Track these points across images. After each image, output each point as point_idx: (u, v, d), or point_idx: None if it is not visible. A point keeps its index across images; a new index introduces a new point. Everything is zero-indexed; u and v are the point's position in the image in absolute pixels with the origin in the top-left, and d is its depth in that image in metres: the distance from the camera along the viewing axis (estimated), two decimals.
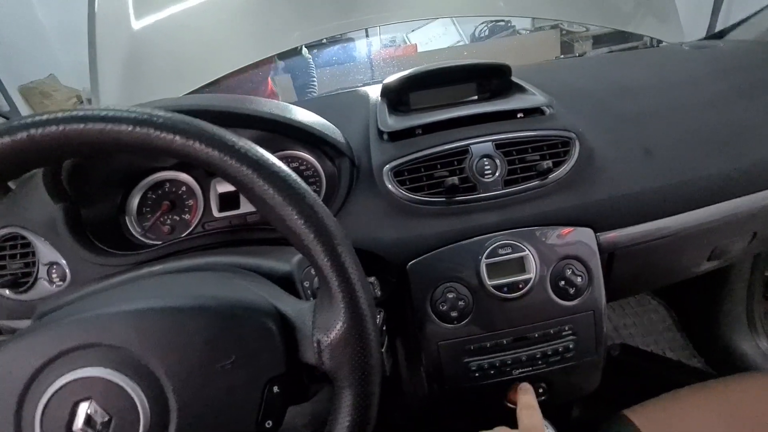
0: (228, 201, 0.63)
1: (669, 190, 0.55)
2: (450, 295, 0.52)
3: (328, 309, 0.31)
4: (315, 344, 0.31)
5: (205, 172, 0.64)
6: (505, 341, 0.53)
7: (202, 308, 0.30)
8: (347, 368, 0.30)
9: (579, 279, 0.53)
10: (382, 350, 0.48)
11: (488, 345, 0.53)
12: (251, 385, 0.30)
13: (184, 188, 0.64)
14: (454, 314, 0.52)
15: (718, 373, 0.99)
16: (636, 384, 0.91)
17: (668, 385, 0.62)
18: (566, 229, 0.53)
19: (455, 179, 0.53)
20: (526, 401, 0.47)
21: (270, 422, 0.30)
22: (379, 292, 0.46)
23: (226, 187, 0.63)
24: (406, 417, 0.82)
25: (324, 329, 0.30)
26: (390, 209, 0.54)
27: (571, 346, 0.54)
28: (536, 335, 0.53)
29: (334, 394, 0.31)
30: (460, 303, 0.52)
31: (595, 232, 0.54)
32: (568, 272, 0.53)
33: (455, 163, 0.55)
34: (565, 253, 0.53)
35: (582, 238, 0.54)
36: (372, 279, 0.46)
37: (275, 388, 0.30)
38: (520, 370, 0.54)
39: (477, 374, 0.53)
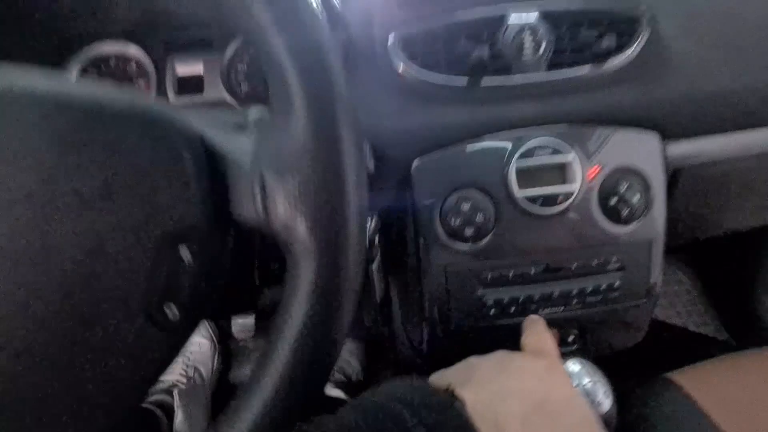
0: (189, 85, 0.50)
1: (757, 95, 0.42)
2: (465, 206, 0.39)
3: (282, 131, 0.18)
4: (257, 186, 0.18)
5: (163, 49, 0.50)
6: (533, 271, 0.41)
7: (63, 97, 0.17)
8: (307, 224, 0.17)
9: (636, 198, 0.40)
10: (373, 266, 0.36)
11: (510, 274, 0.41)
12: (139, 240, 0.17)
13: (134, 65, 0.50)
14: (468, 231, 0.40)
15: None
16: (663, 353, 0.81)
17: (696, 357, 0.51)
18: (626, 131, 0.41)
19: (484, 53, 0.39)
20: (536, 328, 0.34)
21: (173, 307, 0.18)
22: (372, 165, 0.33)
23: (188, 69, 0.50)
24: (399, 375, 0.71)
25: (273, 162, 0.18)
26: (394, 91, 0.41)
27: (616, 284, 0.42)
28: (573, 266, 0.41)
29: (287, 273, 0.19)
30: (478, 217, 0.40)
31: (663, 138, 0.41)
32: (623, 187, 0.40)
33: (485, 35, 0.41)
34: (621, 162, 0.40)
35: (645, 144, 0.41)
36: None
37: (184, 251, 0.18)
38: (549, 310, 0.42)
39: (493, 311, 0.41)
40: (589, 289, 0.41)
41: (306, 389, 0.18)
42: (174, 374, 0.81)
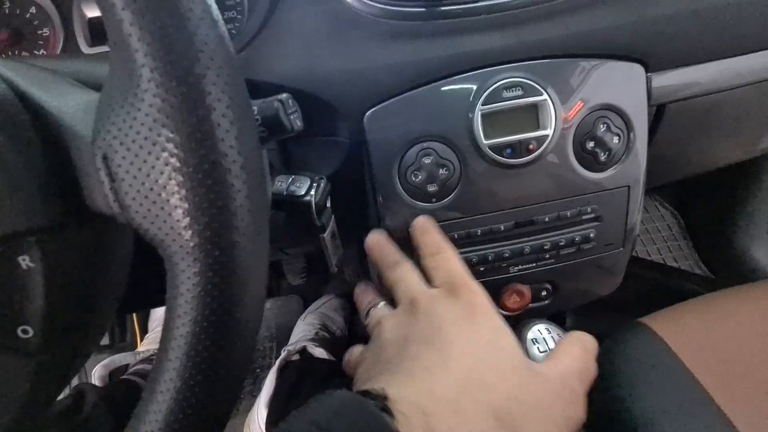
0: (103, 32, 0.42)
1: (754, 11, 0.37)
2: (427, 160, 0.35)
3: (124, 85, 0.13)
4: (102, 168, 0.13)
5: None
6: (503, 227, 0.38)
7: None
8: (178, 214, 0.13)
9: (615, 140, 0.36)
10: (326, 235, 0.32)
11: (479, 232, 0.38)
12: None
13: (33, 10, 0.42)
14: (431, 188, 0.36)
15: (726, 284, 0.91)
16: (641, 292, 0.82)
17: (675, 294, 0.51)
18: (605, 64, 0.35)
19: None
20: (425, 227, 0.33)
21: (28, 329, 0.14)
22: (299, 122, 0.27)
23: (97, 11, 0.42)
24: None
25: (118, 133, 0.13)
26: (339, 25, 0.35)
27: (591, 234, 0.39)
28: (546, 219, 0.38)
29: (166, 278, 0.15)
30: (442, 171, 0.36)
31: (647, 71, 0.37)
32: (602, 129, 0.36)
33: None
34: (600, 100, 0.36)
35: (627, 78, 0.36)
36: (284, 95, 0.27)
37: (24, 261, 0.14)
38: (520, 267, 0.39)
39: None
40: (562, 243, 0.39)
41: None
42: (155, 344, 0.81)
